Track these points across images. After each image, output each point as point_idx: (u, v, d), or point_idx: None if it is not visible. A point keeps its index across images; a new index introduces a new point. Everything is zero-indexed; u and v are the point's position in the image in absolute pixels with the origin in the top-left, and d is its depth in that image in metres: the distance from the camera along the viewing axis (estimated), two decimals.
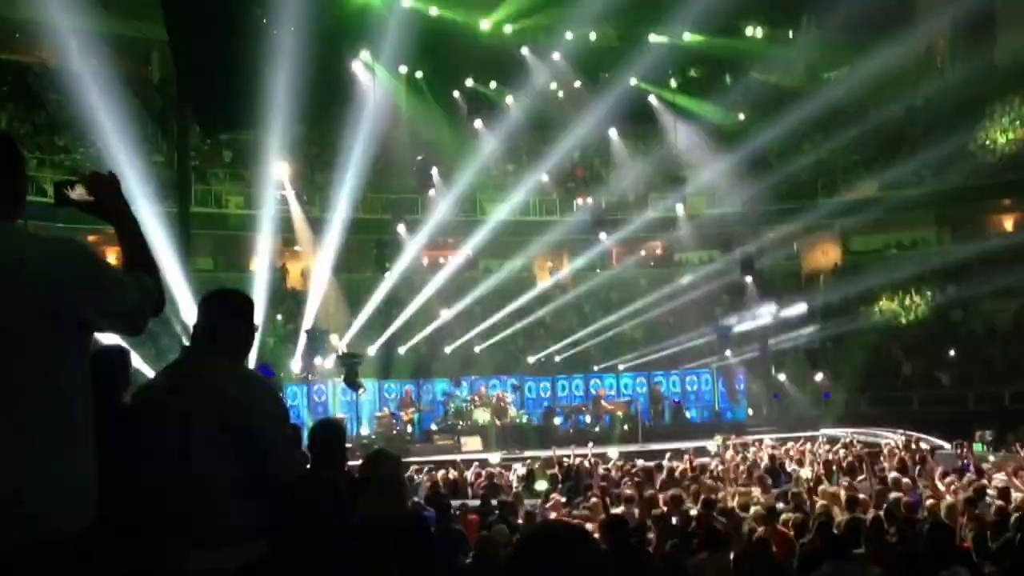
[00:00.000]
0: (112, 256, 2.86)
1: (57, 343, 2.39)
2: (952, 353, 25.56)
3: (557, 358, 26.71)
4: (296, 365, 23.92)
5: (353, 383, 20.31)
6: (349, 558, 3.74)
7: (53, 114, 28.22)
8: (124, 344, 3.91)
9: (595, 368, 25.40)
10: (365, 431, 21.56)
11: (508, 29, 28.86)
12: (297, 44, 25.72)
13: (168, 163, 27.69)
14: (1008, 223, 30.85)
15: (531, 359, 26.79)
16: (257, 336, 3.63)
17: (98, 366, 3.46)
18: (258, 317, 3.62)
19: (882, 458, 15.25)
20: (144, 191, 27.18)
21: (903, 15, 23.93)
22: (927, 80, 29.99)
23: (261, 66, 26.27)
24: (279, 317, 27.32)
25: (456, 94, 32.31)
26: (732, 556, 7.52)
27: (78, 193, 2.68)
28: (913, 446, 15.82)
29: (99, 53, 29.31)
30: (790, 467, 14.87)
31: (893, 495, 10.05)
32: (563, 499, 11.36)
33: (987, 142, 27.10)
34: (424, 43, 28.11)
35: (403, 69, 30.05)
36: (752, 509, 9.73)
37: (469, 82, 32.04)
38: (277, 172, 27.96)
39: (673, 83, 32.02)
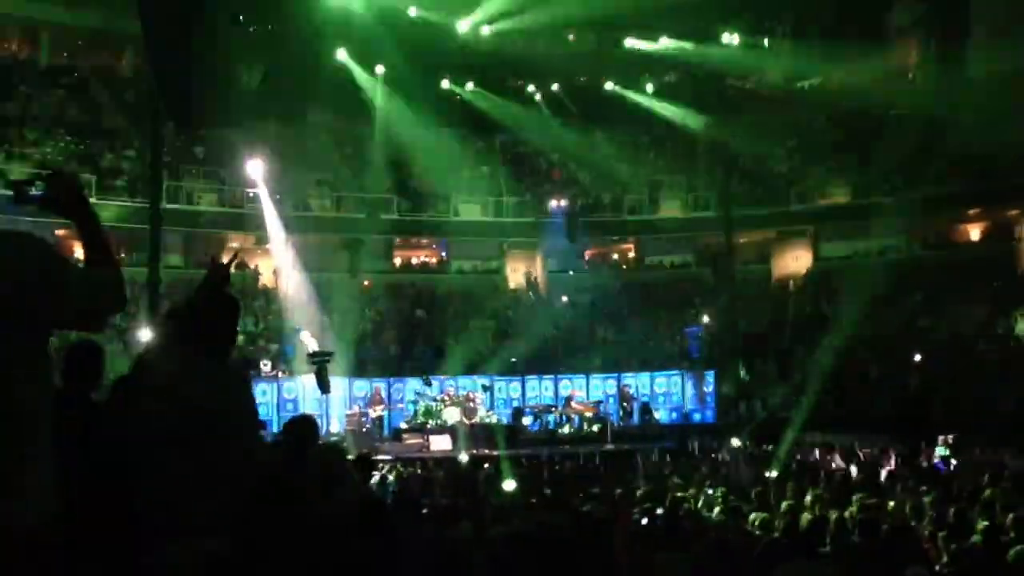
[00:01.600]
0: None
1: (17, 339, 2.38)
2: (918, 358, 25.87)
3: (527, 359, 26.79)
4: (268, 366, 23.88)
5: (323, 384, 20.29)
6: (312, 546, 3.81)
7: (22, 107, 27.96)
8: (94, 339, 3.94)
9: (563, 369, 25.47)
10: (335, 428, 21.54)
11: (486, 31, 28.89)
12: (274, 41, 25.71)
13: (140, 158, 27.48)
14: (975, 232, 31.33)
15: (501, 359, 26.84)
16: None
17: (70, 361, 3.70)
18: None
19: (847, 461, 15.47)
20: (114, 186, 27.13)
21: (877, 26, 24.23)
22: (900, 89, 30.35)
23: (236, 63, 26.19)
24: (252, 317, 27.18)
25: (433, 94, 32.32)
26: (693, 554, 7.57)
27: (38, 191, 2.68)
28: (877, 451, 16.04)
29: (71, 47, 29.21)
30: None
31: (857, 496, 10.15)
32: None
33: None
34: (401, 43, 28.12)
35: (380, 69, 30.01)
36: (716, 508, 9.81)
37: (445, 83, 32.06)
38: (250, 170, 27.85)
39: (649, 87, 32.20)
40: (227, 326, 3.56)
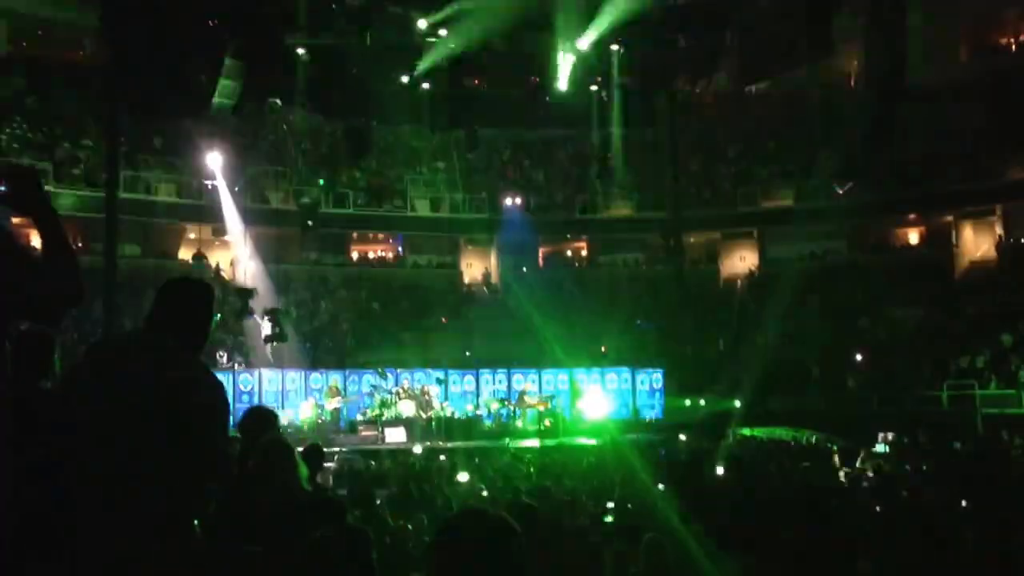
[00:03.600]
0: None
1: None
2: (859, 358, 26.78)
3: (481, 353, 27.29)
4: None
5: (277, 333, 21.64)
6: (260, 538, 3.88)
7: None
8: (47, 330, 3.87)
9: (517, 364, 25.99)
10: (289, 420, 21.82)
11: (443, 32, 29.23)
12: (235, 32, 25.78)
13: (97, 147, 27.48)
14: (914, 236, 32.48)
15: (456, 353, 27.33)
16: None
17: (22, 349, 3.54)
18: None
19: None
20: (71, 175, 27.11)
21: (822, 36, 25.00)
22: (841, 99, 31.29)
23: (195, 53, 26.22)
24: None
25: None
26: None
27: None
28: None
29: (30, 35, 29.01)
30: None
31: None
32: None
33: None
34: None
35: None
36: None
37: (404, 79, 32.33)
38: (209, 161, 28.00)
39: (602, 91, 32.80)
40: (202, 314, 3.43)
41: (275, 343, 23.81)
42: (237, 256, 29.07)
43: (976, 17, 30.87)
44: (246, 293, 24.37)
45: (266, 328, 23.98)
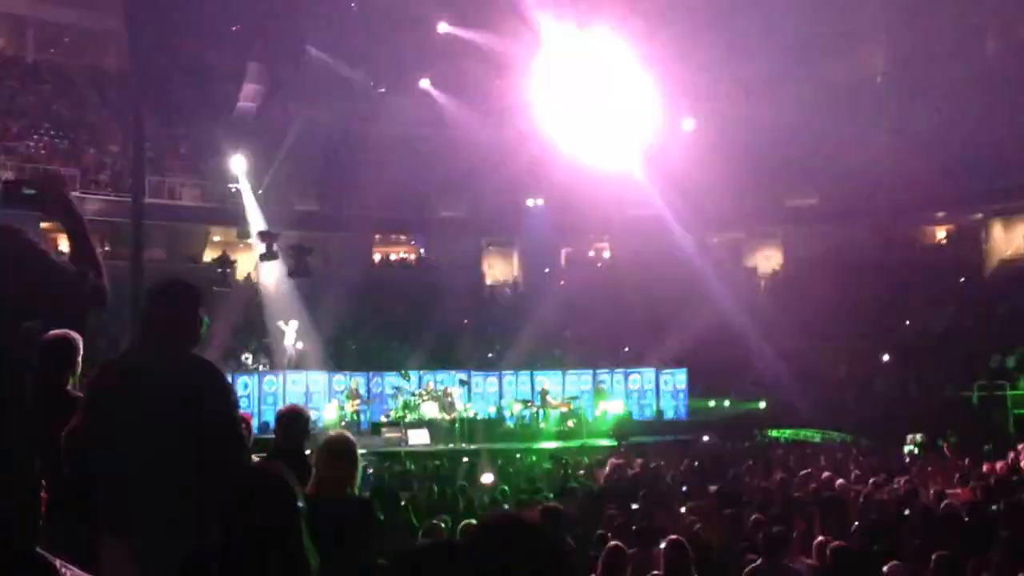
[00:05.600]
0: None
1: None
2: (887, 358, 26.46)
3: (504, 354, 27.26)
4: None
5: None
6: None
7: (8, 102, 28.15)
8: (71, 333, 3.96)
9: (539, 365, 25.92)
10: (313, 421, 21.84)
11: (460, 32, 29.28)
12: (257, 37, 26.01)
13: (123, 153, 27.73)
14: (942, 234, 32.13)
15: (479, 355, 27.32)
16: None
17: (47, 352, 3.61)
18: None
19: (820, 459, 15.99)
20: (98, 181, 27.37)
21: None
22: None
23: (219, 59, 26.44)
24: None
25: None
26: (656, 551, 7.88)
27: (28, 192, 2.77)
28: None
29: (57, 43, 29.33)
30: None
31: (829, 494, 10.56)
32: None
33: None
34: (380, 38, 28.49)
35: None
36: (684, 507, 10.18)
37: (425, 82, 32.41)
38: (233, 165, 28.14)
39: None
40: (190, 318, 3.44)
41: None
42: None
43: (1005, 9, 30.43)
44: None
45: (291, 333, 24.17)
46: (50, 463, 3.10)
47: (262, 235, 24.31)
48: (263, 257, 24.50)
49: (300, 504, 2.62)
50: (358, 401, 22.30)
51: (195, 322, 3.45)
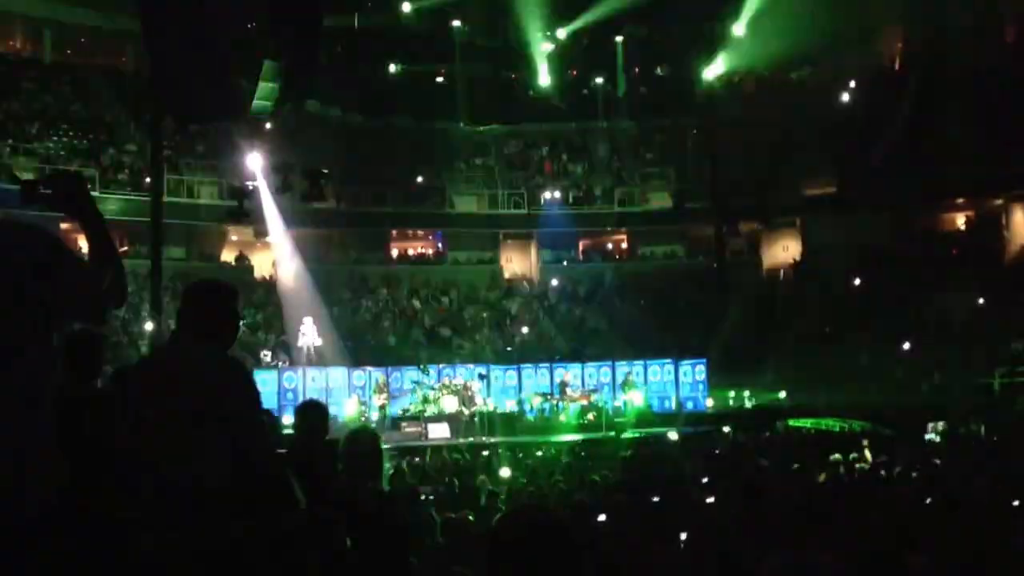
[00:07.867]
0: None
1: (20, 326, 2.46)
2: (907, 346, 26.31)
3: (524, 347, 27.29)
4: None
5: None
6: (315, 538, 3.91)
7: (26, 103, 28.35)
8: (95, 329, 4.03)
9: (559, 358, 25.92)
10: (333, 417, 21.93)
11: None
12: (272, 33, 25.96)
13: (140, 153, 27.88)
14: (962, 221, 31.86)
15: (498, 348, 27.35)
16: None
17: (70, 350, 3.77)
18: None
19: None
20: (117, 180, 27.56)
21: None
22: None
23: (234, 57, 26.42)
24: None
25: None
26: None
27: (45, 192, 2.78)
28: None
29: (73, 44, 29.51)
30: None
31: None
32: None
33: None
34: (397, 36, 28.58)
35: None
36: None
37: (440, 79, 32.50)
38: (250, 163, 28.22)
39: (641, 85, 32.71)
40: (226, 314, 3.53)
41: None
42: (278, 257, 29.30)
43: None
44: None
45: (312, 333, 24.20)
46: (78, 460, 3.04)
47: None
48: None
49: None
50: (385, 395, 22.36)
51: (232, 321, 3.57)
